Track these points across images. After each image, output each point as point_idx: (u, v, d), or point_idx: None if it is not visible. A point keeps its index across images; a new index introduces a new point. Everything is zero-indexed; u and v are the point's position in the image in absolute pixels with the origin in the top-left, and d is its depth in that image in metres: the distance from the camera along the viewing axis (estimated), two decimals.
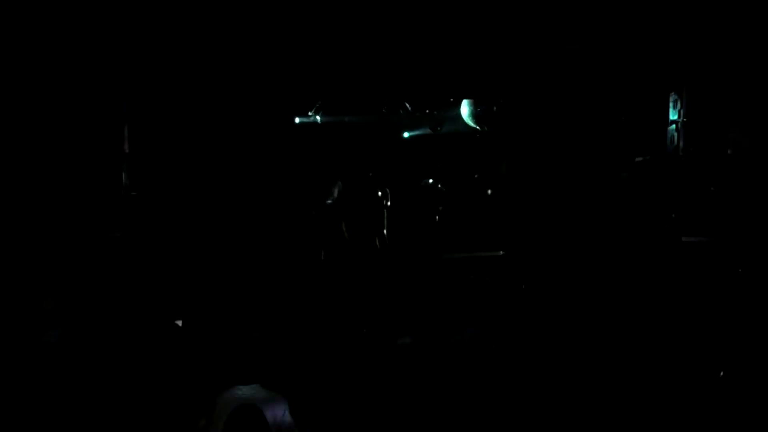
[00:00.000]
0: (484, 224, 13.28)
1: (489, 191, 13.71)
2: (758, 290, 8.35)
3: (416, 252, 12.30)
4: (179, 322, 7.51)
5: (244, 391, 5.10)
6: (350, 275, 11.05)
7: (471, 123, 14.60)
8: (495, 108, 13.70)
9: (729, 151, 11.93)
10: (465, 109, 14.45)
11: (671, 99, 12.73)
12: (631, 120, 12.99)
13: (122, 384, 6.07)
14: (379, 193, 12.50)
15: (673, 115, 12.67)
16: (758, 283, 8.62)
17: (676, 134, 12.52)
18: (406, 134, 15.21)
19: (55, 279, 9.09)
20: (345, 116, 13.33)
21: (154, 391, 6.01)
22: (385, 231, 12.47)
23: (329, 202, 12.13)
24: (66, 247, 10.20)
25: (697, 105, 12.26)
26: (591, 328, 7.67)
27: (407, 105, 13.81)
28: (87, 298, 8.43)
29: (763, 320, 7.41)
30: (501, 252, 12.26)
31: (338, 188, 12.21)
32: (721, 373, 6.22)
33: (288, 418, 5.04)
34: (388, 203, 12.70)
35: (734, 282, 8.81)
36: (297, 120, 13.06)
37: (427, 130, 14.80)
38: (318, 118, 13.29)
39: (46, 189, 10.71)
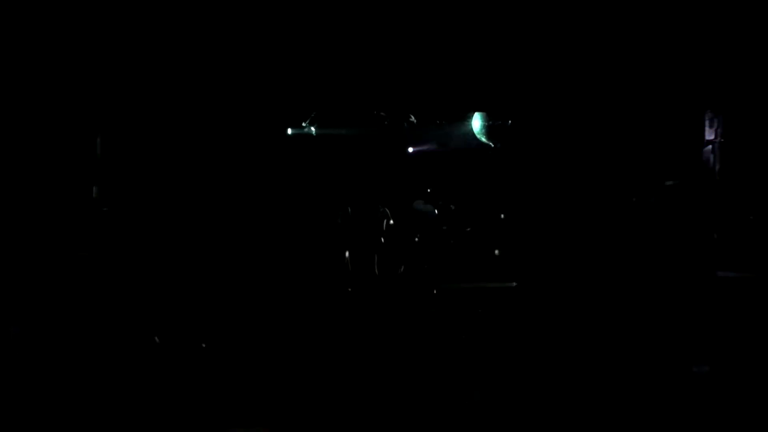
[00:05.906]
0: (495, 252, 13.07)
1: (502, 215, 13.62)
2: None
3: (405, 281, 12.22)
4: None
5: None
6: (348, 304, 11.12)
7: (483, 138, 14.13)
8: (510, 122, 13.34)
9: None
10: (477, 122, 14.02)
11: (707, 117, 12.45)
12: (661, 139, 12.59)
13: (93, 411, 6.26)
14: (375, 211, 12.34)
15: (708, 135, 12.41)
16: None
17: (712, 156, 12.25)
18: (410, 149, 15.07)
19: (20, 303, 8.97)
20: (343, 128, 12.99)
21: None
22: (376, 257, 12.28)
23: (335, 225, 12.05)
24: (30, 268, 10.01)
25: (736, 123, 11.97)
26: (614, 368, 7.73)
27: (412, 117, 13.38)
28: (53, 322, 8.51)
29: None
30: (513, 283, 12.15)
31: (345, 214, 12.08)
32: None
33: None
34: (390, 223, 12.56)
35: None
36: (289, 131, 12.69)
37: (434, 146, 14.44)
38: (313, 129, 12.91)
39: (8, 203, 10.52)
